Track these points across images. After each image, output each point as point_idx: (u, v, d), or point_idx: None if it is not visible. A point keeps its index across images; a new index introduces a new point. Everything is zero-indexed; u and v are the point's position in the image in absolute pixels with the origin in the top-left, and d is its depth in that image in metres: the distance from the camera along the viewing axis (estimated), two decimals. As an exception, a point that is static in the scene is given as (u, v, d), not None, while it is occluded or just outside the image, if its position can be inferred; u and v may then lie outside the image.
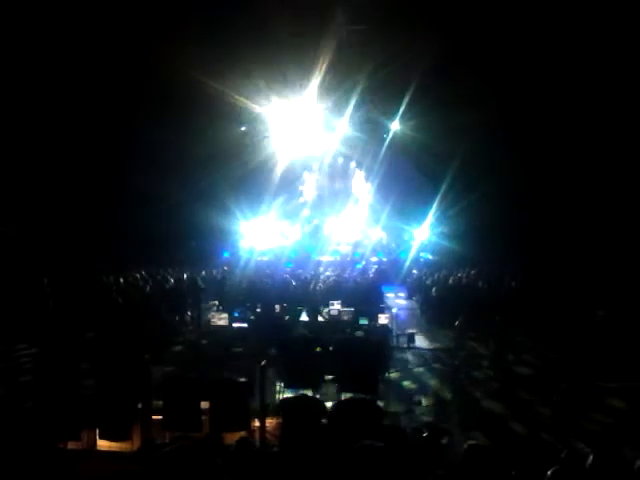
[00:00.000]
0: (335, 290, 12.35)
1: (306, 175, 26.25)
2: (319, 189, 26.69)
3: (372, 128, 23.19)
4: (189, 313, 12.87)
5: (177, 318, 12.57)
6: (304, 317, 10.01)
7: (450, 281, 14.06)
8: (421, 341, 10.97)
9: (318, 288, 12.95)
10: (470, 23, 14.09)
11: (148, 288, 12.59)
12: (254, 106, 20.02)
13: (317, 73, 17.59)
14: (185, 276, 14.64)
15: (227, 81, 17.03)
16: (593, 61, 14.20)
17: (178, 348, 10.07)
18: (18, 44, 12.94)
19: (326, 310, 10.00)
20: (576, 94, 15.19)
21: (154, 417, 5.21)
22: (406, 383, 8.32)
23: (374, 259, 21.88)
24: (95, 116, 16.01)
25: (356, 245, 23.68)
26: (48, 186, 15.79)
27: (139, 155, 17.54)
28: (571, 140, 16.35)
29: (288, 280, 13.88)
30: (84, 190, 16.74)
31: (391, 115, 21.73)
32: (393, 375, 8.38)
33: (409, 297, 16.45)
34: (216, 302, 13.44)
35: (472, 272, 15.49)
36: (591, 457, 2.97)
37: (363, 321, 9.14)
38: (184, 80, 16.17)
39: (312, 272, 16.68)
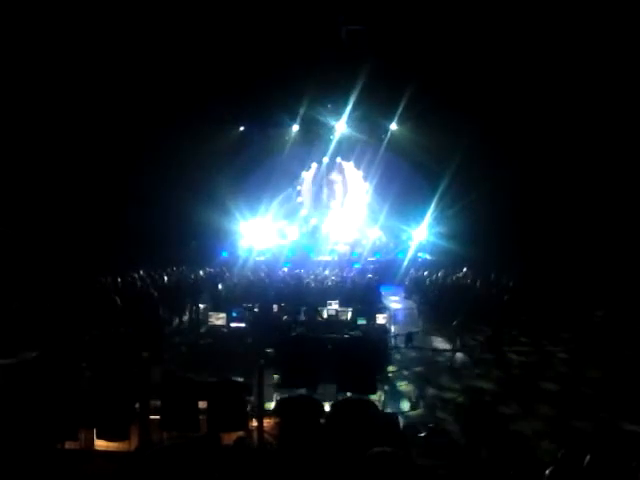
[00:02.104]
0: (333, 290, 12.36)
1: (304, 175, 26.27)
2: (317, 189, 26.72)
3: (370, 128, 23.25)
4: (187, 313, 12.86)
5: (175, 318, 12.57)
6: (302, 317, 10.00)
7: (448, 281, 14.08)
8: (419, 341, 10.98)
9: (316, 288, 12.95)
10: (468, 28, 14.12)
11: (146, 288, 12.58)
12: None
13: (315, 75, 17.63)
14: (183, 276, 14.64)
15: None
16: (588, 64, 14.25)
17: (176, 348, 10.06)
18: (19, 43, 12.93)
19: (324, 310, 10.00)
20: (574, 94, 15.22)
21: (152, 417, 5.21)
22: (404, 383, 8.33)
23: (373, 259, 21.87)
24: (95, 117, 16.01)
25: (354, 245, 23.68)
26: (47, 186, 15.76)
27: (138, 155, 17.52)
28: (569, 141, 16.38)
29: (286, 280, 13.88)
30: (83, 190, 16.71)
31: (389, 115, 21.79)
32: (391, 375, 8.41)
33: (407, 297, 16.46)
34: (212, 302, 13.40)
35: (470, 272, 15.51)
36: (588, 457, 2.98)
37: (361, 321, 9.13)
38: (185, 82, 16.23)
39: (310, 272, 16.68)
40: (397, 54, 15.94)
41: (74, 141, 16.00)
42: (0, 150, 14.05)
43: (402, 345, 10.38)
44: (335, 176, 26.82)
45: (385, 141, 23.22)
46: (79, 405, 4.93)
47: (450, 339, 10.91)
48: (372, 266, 19.35)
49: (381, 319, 9.40)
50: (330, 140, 24.14)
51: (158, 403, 5.19)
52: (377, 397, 6.34)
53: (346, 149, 24.95)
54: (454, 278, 14.52)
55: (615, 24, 12.99)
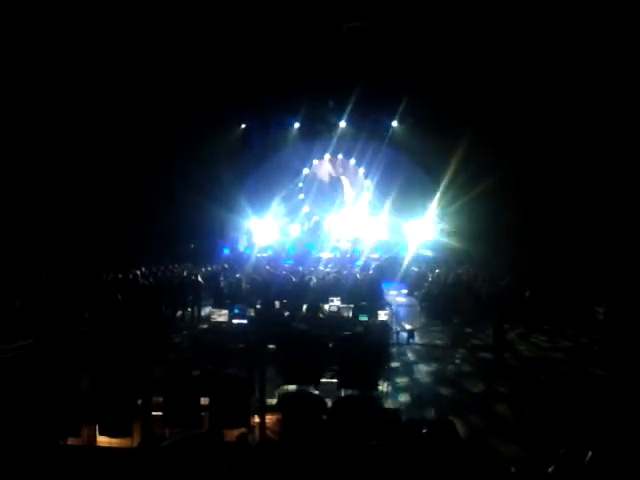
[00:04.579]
0: (335, 286, 12.36)
1: (306, 171, 26.25)
2: (319, 185, 26.70)
3: (372, 125, 23.21)
4: (189, 309, 12.88)
5: (177, 314, 12.59)
6: (304, 313, 9.99)
7: (450, 278, 14.08)
8: (421, 337, 10.99)
9: (318, 284, 12.95)
10: (470, 25, 14.07)
11: (148, 285, 12.60)
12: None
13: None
14: (185, 273, 14.66)
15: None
16: (589, 62, 14.21)
17: (178, 344, 10.08)
18: (25, 43, 12.97)
19: (326, 306, 10.00)
20: (574, 91, 15.17)
21: (154, 413, 5.22)
22: (406, 379, 8.34)
23: (374, 255, 21.84)
24: (99, 118, 16.02)
25: (355, 242, 23.66)
26: (51, 184, 15.78)
27: (141, 154, 17.52)
28: (571, 138, 16.32)
29: (288, 276, 13.88)
30: (86, 188, 16.73)
31: (391, 112, 21.77)
32: (393, 371, 8.42)
33: (409, 293, 16.46)
34: (213, 299, 13.40)
35: (471, 269, 15.51)
36: (590, 454, 2.97)
37: (363, 317, 9.14)
38: (186, 80, 16.23)
39: (312, 268, 16.68)
40: (398, 51, 15.88)
41: (77, 141, 16.01)
42: (7, 149, 14.09)
43: (404, 342, 10.40)
44: (337, 173, 26.83)
45: (387, 138, 23.19)
46: (82, 401, 4.94)
47: (452, 335, 10.92)
48: (374, 263, 19.34)
49: (383, 316, 9.39)
50: (332, 137, 24.11)
51: (160, 399, 5.20)
52: (379, 393, 6.34)
53: (348, 146, 24.92)
54: (456, 275, 14.52)
55: (611, 29, 12.98)
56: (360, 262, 19.70)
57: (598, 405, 7.02)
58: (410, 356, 9.76)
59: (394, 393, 7.43)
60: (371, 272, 15.74)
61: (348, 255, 22.10)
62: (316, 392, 5.99)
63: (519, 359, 9.66)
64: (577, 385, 8.00)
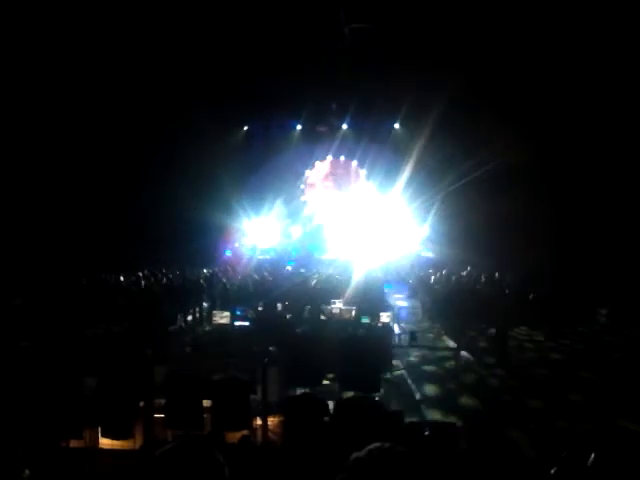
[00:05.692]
0: (337, 288, 12.35)
1: (308, 173, 26.26)
2: (321, 187, 26.72)
3: (374, 127, 23.24)
4: (191, 312, 12.90)
5: (179, 316, 12.60)
6: (306, 315, 9.98)
7: (452, 280, 14.06)
8: (423, 340, 10.97)
9: (320, 286, 12.94)
10: (472, 24, 14.04)
11: (150, 287, 12.62)
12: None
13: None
14: (187, 275, 14.67)
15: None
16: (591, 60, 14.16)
17: (180, 346, 10.07)
18: (25, 41, 13.00)
19: (328, 308, 9.99)
20: (576, 94, 15.14)
21: (156, 415, 5.22)
22: (408, 381, 8.33)
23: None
24: (101, 117, 16.08)
25: None
26: (54, 185, 15.83)
27: (142, 155, 17.56)
28: (570, 142, 16.29)
29: (290, 278, 13.89)
30: (87, 189, 16.77)
31: (393, 115, 21.80)
32: (395, 373, 8.41)
33: (411, 296, 16.42)
34: (215, 301, 13.39)
35: (474, 271, 15.49)
36: (592, 456, 2.96)
37: (365, 319, 9.13)
38: (189, 81, 16.28)
39: (314, 270, 16.69)
40: (401, 52, 15.88)
41: (78, 140, 16.06)
42: (7, 148, 14.12)
43: (406, 344, 10.38)
44: (339, 174, 26.83)
45: (389, 140, 23.22)
46: (84, 404, 4.94)
47: (454, 338, 10.90)
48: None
49: (385, 318, 9.38)
50: (334, 139, 24.14)
51: (162, 401, 5.21)
52: (381, 396, 6.33)
53: (349, 148, 24.94)
54: (458, 277, 14.50)
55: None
56: None
57: (600, 406, 7.04)
58: (412, 358, 9.74)
59: (396, 395, 7.42)
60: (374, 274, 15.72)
61: None
62: (318, 394, 5.99)
63: (522, 361, 9.67)
64: (580, 386, 8.02)
